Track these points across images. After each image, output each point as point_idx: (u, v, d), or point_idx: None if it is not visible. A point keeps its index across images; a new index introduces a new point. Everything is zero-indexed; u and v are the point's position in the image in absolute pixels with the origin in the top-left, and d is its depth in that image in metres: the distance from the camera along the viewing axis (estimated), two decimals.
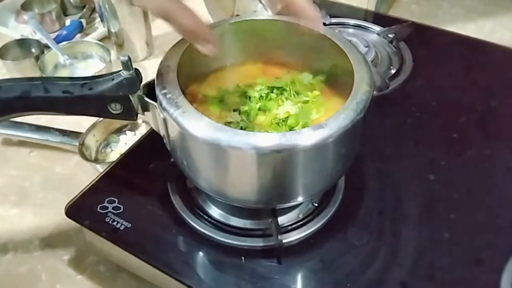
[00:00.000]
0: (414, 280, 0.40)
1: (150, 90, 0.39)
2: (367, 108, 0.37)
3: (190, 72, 0.44)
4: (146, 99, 0.39)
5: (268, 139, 0.34)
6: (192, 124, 0.35)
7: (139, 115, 0.41)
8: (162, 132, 0.41)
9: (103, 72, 0.72)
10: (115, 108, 0.40)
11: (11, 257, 0.53)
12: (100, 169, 0.57)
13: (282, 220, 0.45)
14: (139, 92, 0.39)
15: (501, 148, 0.53)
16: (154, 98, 0.38)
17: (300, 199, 0.41)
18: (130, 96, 0.39)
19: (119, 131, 0.67)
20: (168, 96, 0.37)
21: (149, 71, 0.81)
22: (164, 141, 0.42)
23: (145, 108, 0.40)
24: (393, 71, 0.63)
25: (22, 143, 0.67)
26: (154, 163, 0.47)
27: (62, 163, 0.65)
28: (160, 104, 0.37)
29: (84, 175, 0.63)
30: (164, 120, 0.38)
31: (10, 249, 0.54)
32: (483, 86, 0.62)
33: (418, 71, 0.63)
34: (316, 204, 0.47)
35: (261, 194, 0.39)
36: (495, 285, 0.40)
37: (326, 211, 0.46)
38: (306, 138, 0.34)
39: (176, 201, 0.46)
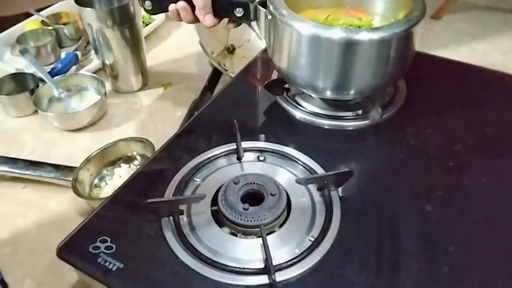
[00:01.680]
0: None
1: (263, 5, 0.58)
2: (416, 27, 0.53)
3: (292, 3, 0.57)
4: (259, 6, 0.58)
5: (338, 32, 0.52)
6: (295, 22, 0.54)
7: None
8: (266, 37, 0.60)
9: (98, 105, 0.73)
10: (239, 11, 0.58)
11: None
12: (94, 205, 0.56)
13: (279, 256, 0.44)
14: (256, 2, 0.58)
15: (499, 176, 0.52)
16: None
17: (352, 92, 0.57)
18: (250, 4, 0.58)
19: (113, 164, 0.66)
20: (276, 5, 0.56)
21: (144, 101, 0.82)
22: (267, 48, 0.62)
23: (258, 16, 0.59)
24: (386, 99, 0.63)
25: (15, 179, 0.67)
26: (146, 200, 0.47)
27: (56, 198, 0.64)
28: (270, 11, 0.57)
29: (78, 210, 0.62)
30: (270, 24, 0.58)
31: None
32: (477, 112, 0.62)
33: (411, 98, 0.63)
34: (312, 239, 0.46)
35: (336, 79, 0.56)
36: None
37: (322, 246, 0.45)
38: (365, 34, 0.52)
39: (170, 239, 0.46)
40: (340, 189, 0.50)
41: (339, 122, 0.61)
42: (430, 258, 0.44)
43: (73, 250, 0.46)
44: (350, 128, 0.61)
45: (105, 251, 0.45)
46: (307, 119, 0.62)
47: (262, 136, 0.59)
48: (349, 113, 0.62)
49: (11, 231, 0.59)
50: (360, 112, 0.62)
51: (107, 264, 0.44)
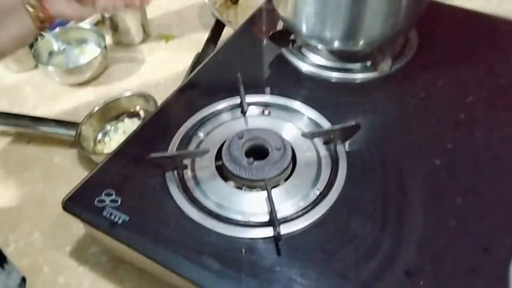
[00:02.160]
0: (419, 269, 0.39)
1: None
2: None
3: None
4: None
5: None
6: None
7: None
8: None
9: (99, 59, 0.71)
10: None
11: (13, 250, 0.53)
12: (98, 160, 0.56)
13: (284, 209, 0.44)
14: None
15: (511, 130, 0.51)
16: None
17: (361, 42, 0.55)
18: None
19: (117, 119, 0.65)
20: None
21: (145, 55, 0.80)
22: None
23: None
24: (397, 50, 0.61)
25: (19, 135, 0.66)
26: (150, 154, 0.46)
27: (61, 154, 0.64)
28: None
29: (83, 165, 0.62)
30: None
31: (12, 242, 0.54)
32: (491, 63, 0.59)
33: (423, 49, 0.61)
34: (317, 192, 0.46)
35: (344, 28, 0.54)
36: (503, 274, 0.39)
37: (327, 200, 0.44)
38: None
39: (174, 193, 0.45)
40: (346, 143, 0.49)
41: (347, 74, 0.59)
42: (437, 211, 0.44)
43: (78, 203, 0.46)
44: (358, 80, 0.59)
45: (111, 204, 0.45)
46: (314, 72, 0.60)
47: (267, 89, 0.57)
48: (357, 65, 0.60)
49: (18, 186, 0.60)
50: (368, 64, 0.60)
51: (112, 217, 0.44)
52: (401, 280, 0.39)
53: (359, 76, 0.59)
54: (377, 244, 0.41)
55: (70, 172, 0.61)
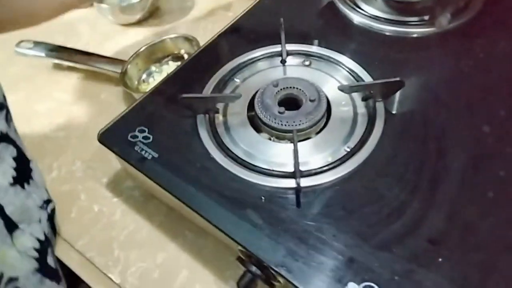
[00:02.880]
0: (445, 239, 0.37)
1: None
2: None
3: None
4: None
5: None
6: None
7: None
8: None
9: None
10: None
11: (55, 176, 0.56)
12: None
13: (311, 163, 0.43)
14: None
15: None
16: None
17: None
18: None
19: (162, 60, 0.66)
20: None
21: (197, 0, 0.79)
22: None
23: None
24: (460, 5, 0.55)
25: (71, 69, 0.69)
26: (184, 95, 0.46)
27: (107, 90, 0.66)
28: None
29: (126, 103, 0.64)
30: None
31: (55, 168, 0.57)
32: None
33: (488, 7, 0.54)
34: (348, 149, 0.44)
35: None
36: None
37: (358, 157, 0.42)
38: None
39: (203, 135, 0.46)
40: (387, 101, 0.46)
41: (402, 28, 0.55)
42: (476, 181, 0.40)
43: (113, 136, 0.48)
44: (413, 35, 0.54)
45: (142, 140, 0.46)
46: (366, 24, 0.56)
47: (311, 40, 0.55)
48: (414, 18, 0.55)
49: (65, 117, 0.63)
50: (426, 17, 0.55)
51: (143, 152, 0.45)
52: (423, 247, 0.37)
53: (414, 30, 0.54)
54: (403, 208, 0.39)
55: (114, 109, 0.62)
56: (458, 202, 0.39)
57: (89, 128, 0.61)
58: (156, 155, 0.45)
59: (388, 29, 0.55)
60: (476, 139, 0.43)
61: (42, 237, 0.45)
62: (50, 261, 0.45)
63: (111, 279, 0.47)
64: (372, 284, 0.35)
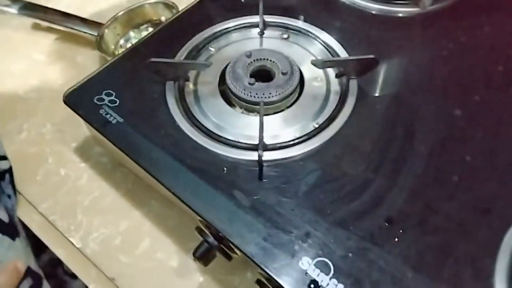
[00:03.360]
0: (404, 219, 0.37)
1: None
2: None
3: None
4: None
5: None
6: None
7: None
8: None
9: None
10: None
11: (24, 138, 0.55)
12: None
13: (278, 137, 0.42)
14: None
15: None
16: None
17: None
18: None
19: (140, 26, 0.64)
20: None
21: None
22: None
23: None
24: None
25: (50, 30, 0.67)
26: (153, 59, 0.45)
27: (85, 53, 0.64)
28: None
29: None
30: None
31: (24, 129, 0.56)
32: None
33: None
34: (317, 125, 0.43)
35: None
36: (497, 240, 0.35)
37: (324, 133, 0.42)
38: None
39: (171, 103, 0.45)
40: (362, 80, 0.45)
41: (387, 6, 0.53)
42: (441, 164, 0.40)
43: (78, 98, 0.47)
44: (398, 14, 0.53)
45: (109, 104, 0.45)
46: (352, 1, 0.55)
47: (293, 13, 0.53)
48: None
49: (39, 79, 0.61)
50: None
51: (108, 116, 0.44)
52: (380, 226, 0.36)
53: (400, 10, 0.53)
54: (365, 186, 0.38)
55: (89, 72, 0.62)
56: (421, 183, 0.39)
57: (62, 91, 0.59)
58: (121, 120, 0.44)
59: (374, 7, 0.54)
60: (447, 122, 0.43)
61: None
62: (2, 215, 0.44)
63: (72, 243, 0.47)
64: (326, 260, 0.35)
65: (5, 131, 0.56)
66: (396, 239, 0.35)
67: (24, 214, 0.49)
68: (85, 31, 0.63)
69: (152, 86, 0.46)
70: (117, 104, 0.45)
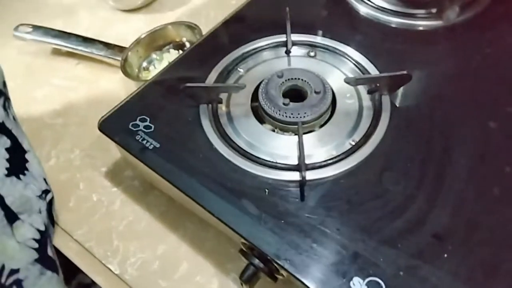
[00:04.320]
0: (450, 234, 0.37)
1: None
2: None
3: None
4: None
5: None
6: None
7: None
8: None
9: None
10: None
11: (53, 164, 0.56)
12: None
13: (315, 156, 0.42)
14: None
15: None
16: None
17: None
18: None
19: (163, 48, 0.65)
20: None
21: None
22: None
23: None
24: None
25: (70, 54, 0.68)
26: (188, 85, 0.45)
27: (107, 77, 0.65)
28: None
29: (126, 91, 0.63)
30: None
31: (53, 156, 0.56)
32: None
33: (497, 2, 0.54)
34: (353, 143, 0.43)
35: None
36: None
37: (362, 151, 0.42)
38: None
39: (206, 126, 0.45)
40: (393, 95, 0.46)
41: (409, 20, 0.54)
42: (481, 177, 0.40)
43: (113, 125, 0.47)
44: (420, 28, 0.54)
45: (144, 129, 0.46)
46: (372, 15, 0.55)
47: (317, 30, 0.54)
48: (422, 11, 0.54)
49: (63, 104, 0.62)
50: (434, 10, 0.54)
51: (144, 142, 0.45)
52: (428, 242, 0.36)
53: (421, 23, 0.54)
54: (408, 203, 0.39)
55: (114, 97, 0.62)
56: (463, 197, 0.39)
57: (88, 115, 0.60)
58: (157, 145, 0.44)
59: (395, 21, 0.54)
60: (482, 135, 0.43)
61: (42, 228, 0.44)
62: (50, 252, 0.44)
63: (110, 269, 0.47)
64: (377, 279, 0.35)
65: None
66: (446, 255, 0.36)
67: (61, 242, 0.49)
68: (108, 55, 0.63)
69: (186, 109, 0.47)
70: (152, 129, 0.45)
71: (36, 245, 0.42)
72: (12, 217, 0.40)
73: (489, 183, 0.40)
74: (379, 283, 0.35)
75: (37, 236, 0.43)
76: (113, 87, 0.64)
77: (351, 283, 0.35)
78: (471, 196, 0.39)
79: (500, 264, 0.35)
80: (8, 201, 0.40)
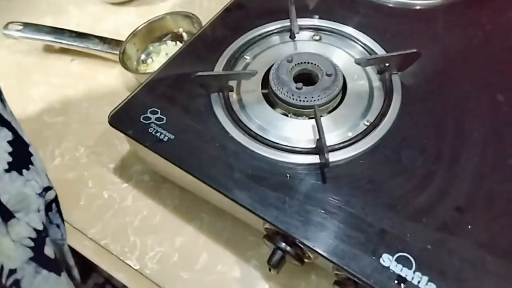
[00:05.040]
0: (471, 206, 0.38)
1: None
2: None
3: None
4: None
5: None
6: None
7: None
8: None
9: None
10: None
11: (59, 164, 0.54)
12: (141, 80, 0.55)
13: (331, 139, 0.43)
14: None
15: None
16: None
17: None
18: None
19: (160, 40, 0.64)
20: None
21: None
22: None
23: None
24: None
25: (63, 51, 0.66)
26: (199, 74, 0.45)
27: (104, 72, 0.63)
28: None
29: (126, 85, 0.62)
30: None
31: (57, 155, 0.55)
32: None
33: None
34: (367, 123, 0.44)
35: None
36: None
37: (378, 131, 0.42)
38: None
39: (219, 114, 0.45)
40: (402, 74, 0.46)
41: None
42: (495, 149, 0.41)
43: (124, 119, 0.46)
44: (418, 7, 0.54)
45: (156, 122, 0.45)
46: None
47: (319, 13, 0.54)
48: None
49: (62, 102, 0.60)
50: None
51: (158, 134, 0.44)
52: (452, 215, 0.37)
53: (419, 2, 0.54)
54: (428, 179, 0.39)
55: (114, 91, 0.61)
56: (480, 170, 0.40)
57: (89, 112, 0.59)
58: (172, 137, 0.44)
59: (392, 0, 0.55)
60: (491, 108, 0.44)
61: (40, 227, 0.42)
62: (49, 251, 0.43)
63: (129, 265, 0.46)
64: (406, 254, 0.35)
65: None
66: (470, 226, 0.37)
67: (75, 242, 0.48)
68: (104, 49, 0.62)
69: (196, 99, 0.46)
70: (164, 121, 0.45)
71: (32, 244, 0.41)
72: (7, 216, 0.38)
73: (504, 154, 0.41)
74: (408, 258, 0.35)
75: (33, 235, 0.41)
76: (112, 81, 0.62)
77: (381, 259, 0.35)
78: (488, 167, 0.40)
79: None
80: (4, 199, 0.38)
